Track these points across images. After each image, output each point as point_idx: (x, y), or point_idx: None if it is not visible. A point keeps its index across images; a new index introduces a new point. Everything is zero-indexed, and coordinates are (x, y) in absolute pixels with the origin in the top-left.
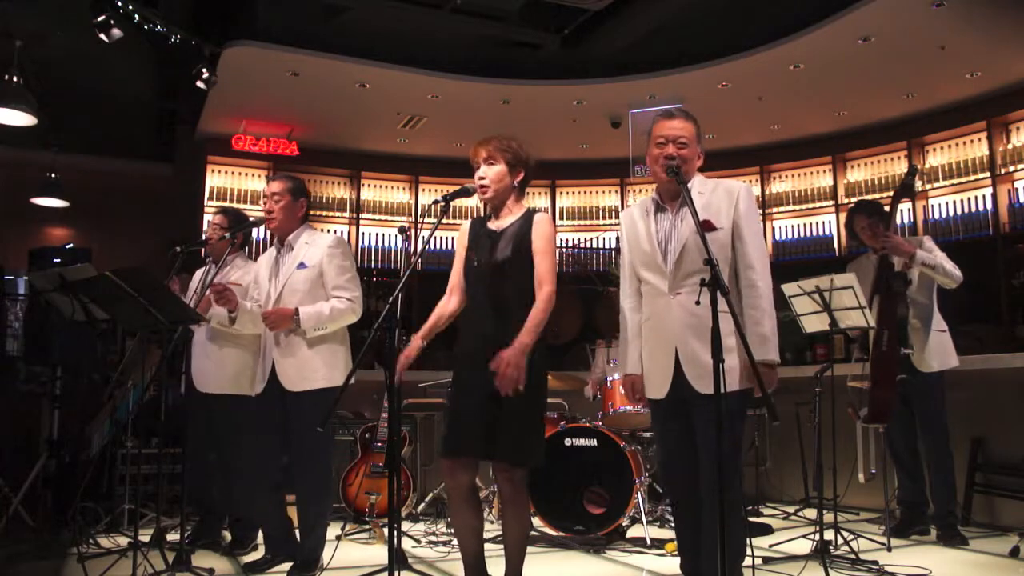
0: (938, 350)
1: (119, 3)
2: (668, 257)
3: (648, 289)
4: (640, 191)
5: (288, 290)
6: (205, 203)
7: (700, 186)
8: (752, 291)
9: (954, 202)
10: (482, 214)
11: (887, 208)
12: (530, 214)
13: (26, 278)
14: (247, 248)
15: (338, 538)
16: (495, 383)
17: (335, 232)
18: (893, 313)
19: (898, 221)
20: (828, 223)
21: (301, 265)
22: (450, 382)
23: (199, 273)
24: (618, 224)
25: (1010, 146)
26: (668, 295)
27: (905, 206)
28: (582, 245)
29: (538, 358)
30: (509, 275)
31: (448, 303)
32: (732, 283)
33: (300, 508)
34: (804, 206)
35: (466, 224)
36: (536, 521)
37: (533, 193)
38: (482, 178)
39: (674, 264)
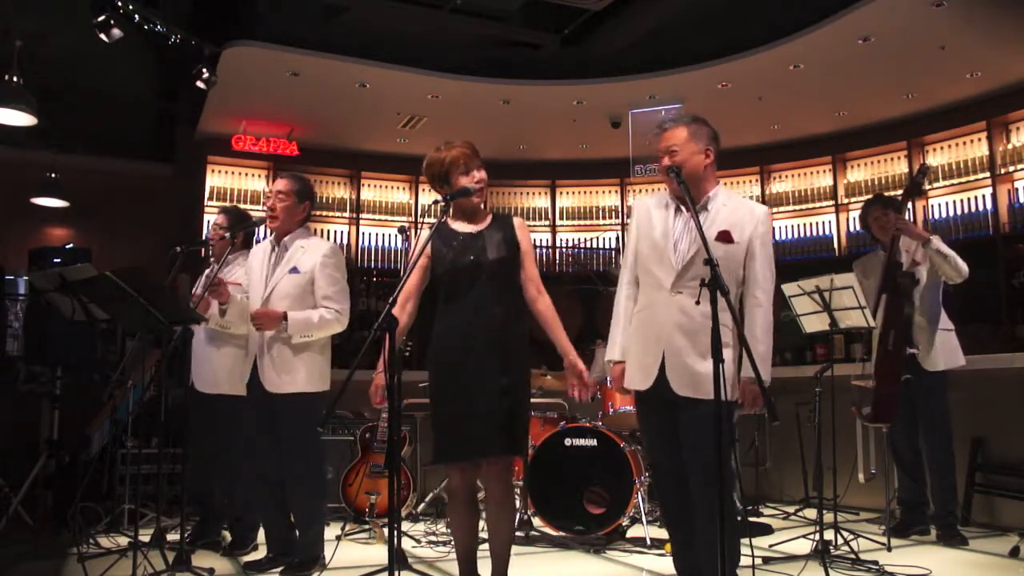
0: (945, 349)
1: (119, 3)
2: (678, 255)
3: (650, 281)
4: (640, 191)
5: (277, 293)
6: (205, 203)
7: (726, 198)
8: (756, 310)
9: (954, 202)
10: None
11: None
12: (504, 217)
13: (26, 278)
14: (249, 248)
15: (338, 538)
16: (572, 392)
17: (332, 233)
18: (900, 312)
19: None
20: (828, 223)
21: (294, 270)
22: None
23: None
24: (618, 224)
25: (1010, 146)
26: (669, 291)
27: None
28: (582, 245)
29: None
30: (507, 272)
31: (400, 316)
32: (739, 303)
33: (294, 508)
34: (804, 206)
35: (424, 233)
36: (536, 521)
37: (533, 193)
38: (480, 180)
39: (683, 264)
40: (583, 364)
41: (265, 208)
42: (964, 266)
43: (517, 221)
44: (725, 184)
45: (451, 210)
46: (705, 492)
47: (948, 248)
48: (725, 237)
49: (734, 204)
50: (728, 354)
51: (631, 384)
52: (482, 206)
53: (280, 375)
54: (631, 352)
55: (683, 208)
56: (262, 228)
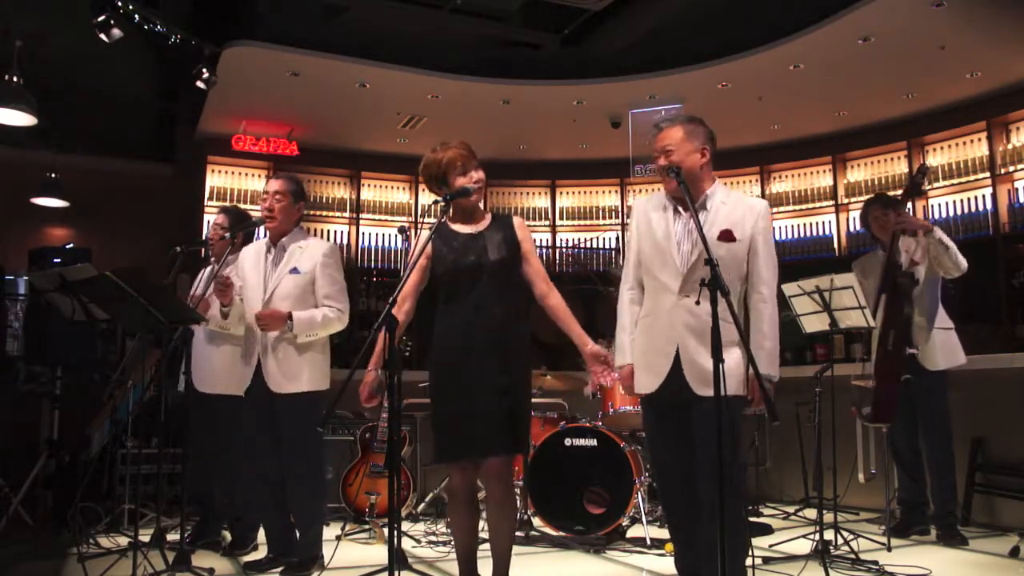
0: (945, 348)
1: (119, 3)
2: (682, 258)
3: (655, 286)
4: (640, 191)
5: (279, 294)
6: (205, 203)
7: (724, 196)
8: (762, 307)
9: (954, 202)
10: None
11: None
12: (503, 217)
13: (26, 278)
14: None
15: (338, 538)
16: (598, 379)
17: (332, 233)
18: (900, 312)
19: None
20: (828, 223)
21: (294, 270)
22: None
23: (203, 273)
24: (618, 224)
25: (1010, 146)
26: (676, 295)
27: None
28: (582, 245)
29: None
30: (508, 272)
31: (397, 316)
32: (743, 300)
33: (294, 508)
34: (804, 206)
35: (424, 234)
36: (536, 521)
37: (533, 193)
38: (479, 180)
39: (688, 267)
40: (600, 347)
41: (263, 209)
42: (963, 260)
43: (517, 220)
44: (725, 184)
45: (450, 211)
46: (715, 493)
47: (949, 240)
48: (727, 236)
49: (733, 201)
50: (736, 351)
51: (640, 388)
52: (481, 206)
53: (285, 375)
54: (637, 356)
55: (681, 209)
56: (262, 227)
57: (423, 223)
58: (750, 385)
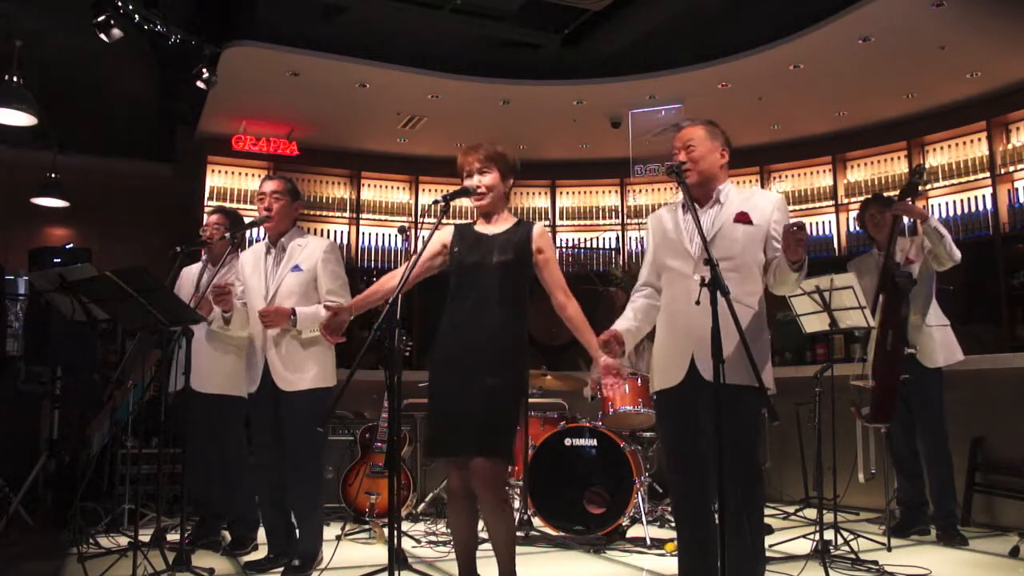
0: (943, 345)
1: (119, 3)
2: (694, 244)
3: (671, 276)
4: (640, 191)
5: (283, 292)
6: (205, 203)
7: (736, 190)
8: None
9: (954, 202)
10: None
11: None
12: (524, 224)
13: (26, 278)
14: (243, 248)
15: (338, 538)
16: (606, 393)
17: (332, 233)
18: (898, 312)
19: (905, 220)
20: (828, 223)
21: (296, 268)
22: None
23: (189, 271)
24: (618, 224)
25: (1010, 146)
26: (690, 276)
27: None
28: (582, 245)
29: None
30: (512, 276)
31: (392, 279)
32: (759, 275)
33: (294, 506)
34: (804, 206)
35: (450, 227)
36: (536, 521)
37: (533, 193)
38: (479, 186)
39: (703, 248)
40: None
41: (262, 209)
42: (957, 251)
43: (537, 228)
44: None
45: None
46: (738, 469)
47: (944, 229)
48: (742, 218)
49: (746, 193)
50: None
51: (667, 382)
52: (506, 210)
53: (292, 372)
54: (660, 351)
55: (695, 207)
56: (256, 229)
57: (423, 223)
58: (784, 234)
